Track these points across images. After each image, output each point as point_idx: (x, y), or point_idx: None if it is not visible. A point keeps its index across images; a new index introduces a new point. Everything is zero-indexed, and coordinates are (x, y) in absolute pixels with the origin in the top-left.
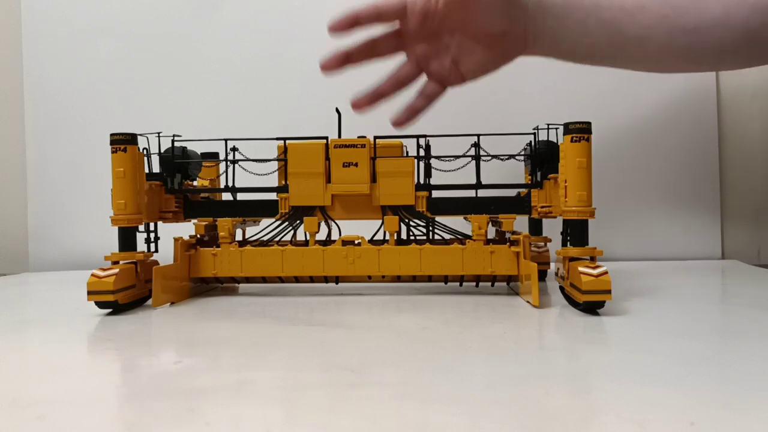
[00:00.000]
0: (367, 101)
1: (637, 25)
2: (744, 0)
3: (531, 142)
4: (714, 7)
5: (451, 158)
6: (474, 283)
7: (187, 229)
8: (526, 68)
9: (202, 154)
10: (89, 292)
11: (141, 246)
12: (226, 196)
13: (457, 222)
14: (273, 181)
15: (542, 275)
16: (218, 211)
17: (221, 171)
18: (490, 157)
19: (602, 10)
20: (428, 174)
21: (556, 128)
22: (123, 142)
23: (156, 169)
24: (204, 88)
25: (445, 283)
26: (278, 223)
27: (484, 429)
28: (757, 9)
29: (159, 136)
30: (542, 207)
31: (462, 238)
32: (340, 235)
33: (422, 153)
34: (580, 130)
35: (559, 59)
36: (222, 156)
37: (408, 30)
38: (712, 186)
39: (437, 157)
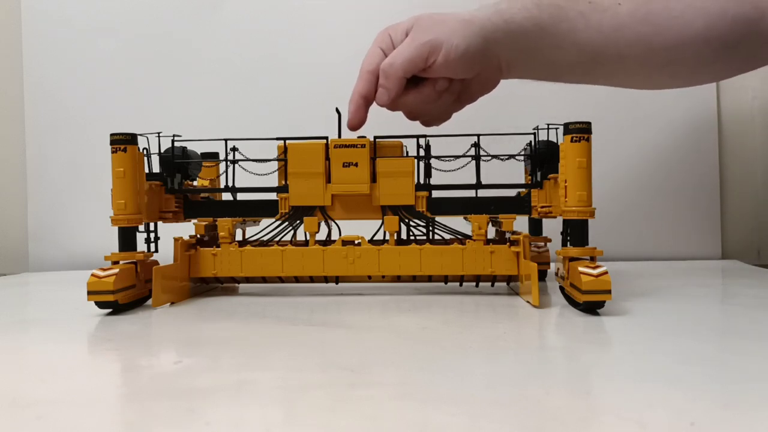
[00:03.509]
0: (356, 111)
1: (615, 46)
2: (724, 12)
3: (531, 142)
4: (695, 22)
5: (451, 158)
6: (474, 283)
7: (187, 229)
8: None
9: (202, 154)
10: (89, 292)
11: (141, 246)
12: (226, 196)
13: (457, 222)
14: (273, 181)
15: (542, 275)
16: (218, 211)
17: (221, 171)
18: (490, 157)
19: (578, 33)
20: (428, 174)
21: (556, 128)
22: (123, 142)
23: (156, 169)
24: (204, 88)
25: (445, 283)
26: (278, 223)
27: (484, 429)
28: (738, 21)
29: (159, 136)
30: (542, 207)
31: (462, 238)
32: (340, 235)
33: (422, 153)
34: (580, 130)
35: (536, 80)
36: (222, 156)
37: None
38: (712, 186)
39: (437, 157)
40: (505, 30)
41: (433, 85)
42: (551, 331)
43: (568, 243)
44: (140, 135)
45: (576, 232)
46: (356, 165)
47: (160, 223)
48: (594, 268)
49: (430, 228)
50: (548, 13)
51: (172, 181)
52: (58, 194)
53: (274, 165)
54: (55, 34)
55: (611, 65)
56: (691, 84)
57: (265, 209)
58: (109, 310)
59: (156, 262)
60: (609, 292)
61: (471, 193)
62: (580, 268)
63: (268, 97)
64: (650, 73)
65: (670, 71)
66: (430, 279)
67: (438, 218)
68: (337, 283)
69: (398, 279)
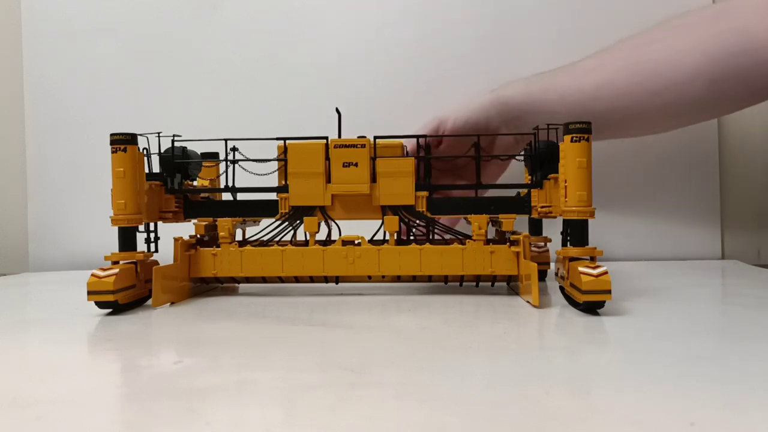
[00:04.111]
0: None
1: (602, 102)
2: (702, 52)
3: (531, 142)
4: (673, 66)
5: (451, 158)
6: (474, 283)
7: (187, 229)
8: (526, 68)
9: (202, 154)
10: (89, 292)
11: (141, 246)
12: (226, 196)
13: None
14: (273, 181)
15: (542, 275)
16: (218, 211)
17: (221, 171)
18: (490, 157)
19: (566, 97)
20: (428, 174)
21: (556, 128)
22: (123, 142)
23: (156, 169)
24: (204, 88)
25: (445, 283)
26: (278, 223)
27: (484, 429)
28: (718, 58)
29: (159, 136)
30: (542, 207)
31: (462, 238)
32: (340, 235)
33: (422, 153)
34: (580, 130)
35: None
36: (222, 156)
37: None
38: (712, 186)
39: (437, 157)
40: (503, 102)
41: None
42: (551, 331)
43: (568, 243)
44: (140, 135)
45: (576, 232)
46: (356, 165)
47: (160, 223)
48: (594, 268)
49: (430, 228)
50: (537, 86)
51: (172, 181)
52: (58, 194)
53: (274, 165)
54: (55, 34)
55: (610, 119)
56: (698, 121)
57: (265, 209)
58: (109, 310)
59: (156, 262)
60: (609, 292)
61: (471, 193)
62: (580, 268)
63: (268, 97)
64: (653, 119)
65: (671, 112)
66: (430, 279)
67: (438, 218)
68: (337, 283)
69: (398, 279)
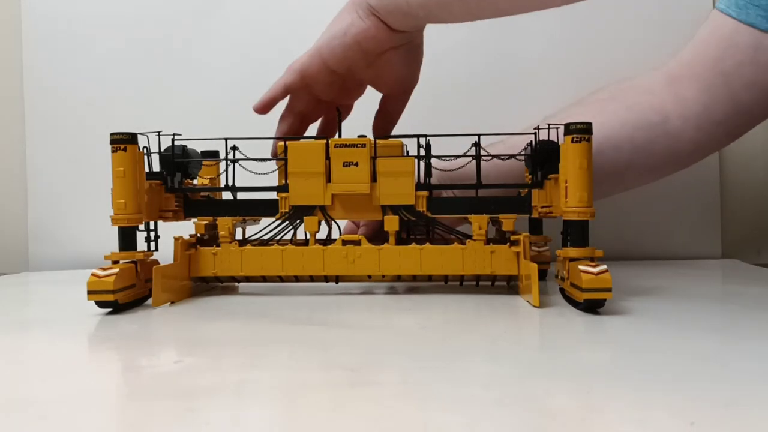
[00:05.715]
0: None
1: None
2: (623, 123)
3: (531, 141)
4: (596, 136)
5: (451, 158)
6: (474, 283)
7: (187, 228)
8: (527, 67)
9: (202, 152)
10: (89, 292)
11: (141, 245)
12: (227, 195)
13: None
14: (273, 180)
15: (542, 275)
16: (218, 210)
17: (221, 170)
18: (490, 157)
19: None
20: (428, 174)
21: (557, 128)
22: (123, 141)
23: (156, 168)
24: (204, 86)
25: (445, 283)
26: (278, 222)
27: (484, 429)
28: (640, 127)
29: (159, 135)
30: (542, 207)
31: (462, 238)
32: (340, 234)
33: (422, 153)
34: (580, 131)
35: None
36: (222, 155)
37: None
38: (712, 185)
39: (437, 157)
40: None
41: None
42: (551, 330)
43: (568, 243)
44: (140, 134)
45: (576, 232)
46: (356, 164)
47: (160, 222)
48: (594, 266)
49: (430, 228)
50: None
51: (172, 180)
52: (58, 194)
53: (275, 164)
54: (55, 34)
55: None
56: (639, 184)
57: (266, 208)
58: (109, 310)
59: (156, 262)
60: (609, 290)
61: (471, 193)
62: (581, 267)
63: None
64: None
65: (607, 182)
66: (430, 279)
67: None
68: (337, 283)
69: (398, 279)
